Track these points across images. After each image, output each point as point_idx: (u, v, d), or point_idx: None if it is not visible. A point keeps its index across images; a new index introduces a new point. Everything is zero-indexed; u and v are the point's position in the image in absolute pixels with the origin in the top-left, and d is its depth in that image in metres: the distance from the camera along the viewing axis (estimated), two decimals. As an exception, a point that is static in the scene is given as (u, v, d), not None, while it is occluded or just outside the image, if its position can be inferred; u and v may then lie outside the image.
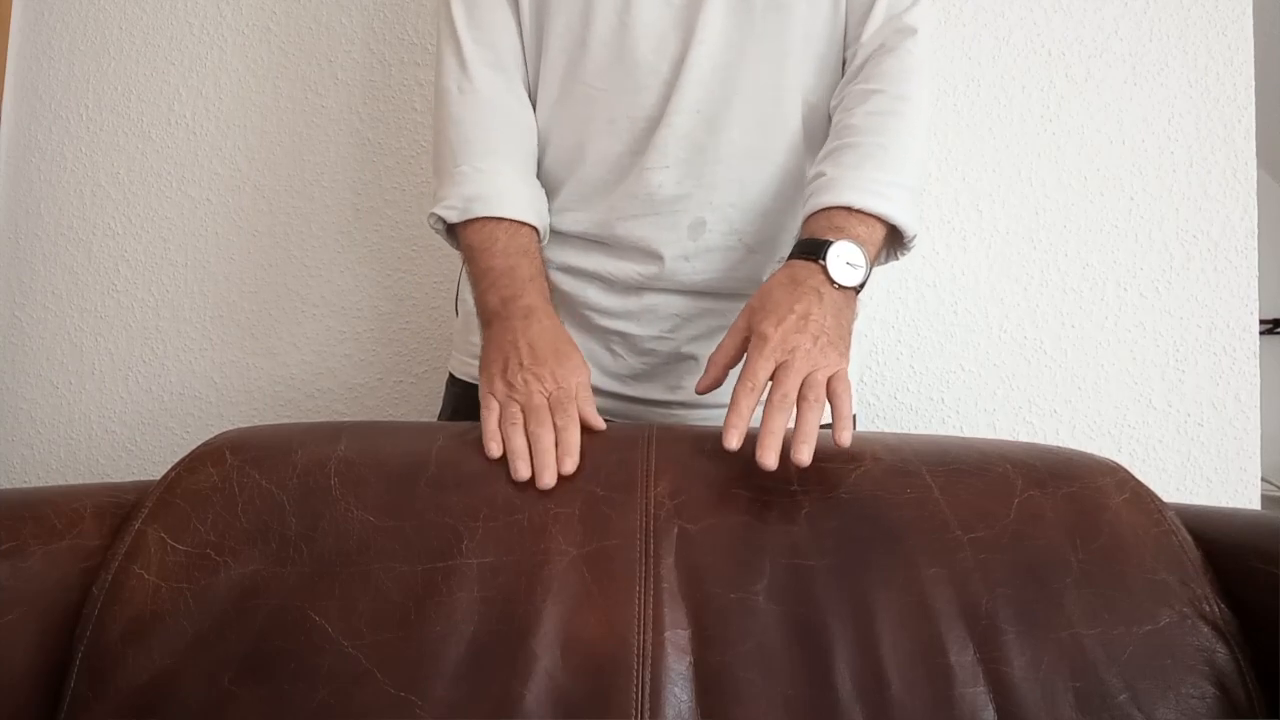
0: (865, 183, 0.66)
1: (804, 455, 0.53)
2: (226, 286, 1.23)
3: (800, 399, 0.56)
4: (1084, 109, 1.10)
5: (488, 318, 0.68)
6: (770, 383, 0.57)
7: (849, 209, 0.65)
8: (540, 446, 0.56)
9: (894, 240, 0.70)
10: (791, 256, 0.65)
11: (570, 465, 0.56)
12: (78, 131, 1.27)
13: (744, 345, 0.61)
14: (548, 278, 0.72)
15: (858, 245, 0.63)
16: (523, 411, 0.59)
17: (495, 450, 0.57)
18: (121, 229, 1.25)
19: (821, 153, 0.72)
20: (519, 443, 0.57)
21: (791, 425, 0.56)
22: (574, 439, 0.57)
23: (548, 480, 0.54)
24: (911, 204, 0.68)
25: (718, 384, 0.62)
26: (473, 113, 0.74)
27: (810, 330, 0.59)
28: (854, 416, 0.83)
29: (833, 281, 0.62)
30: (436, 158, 0.76)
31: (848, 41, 0.74)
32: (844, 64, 0.75)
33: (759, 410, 0.57)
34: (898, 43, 0.71)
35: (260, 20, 1.23)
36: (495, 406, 0.61)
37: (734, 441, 0.54)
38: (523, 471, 0.55)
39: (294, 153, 1.22)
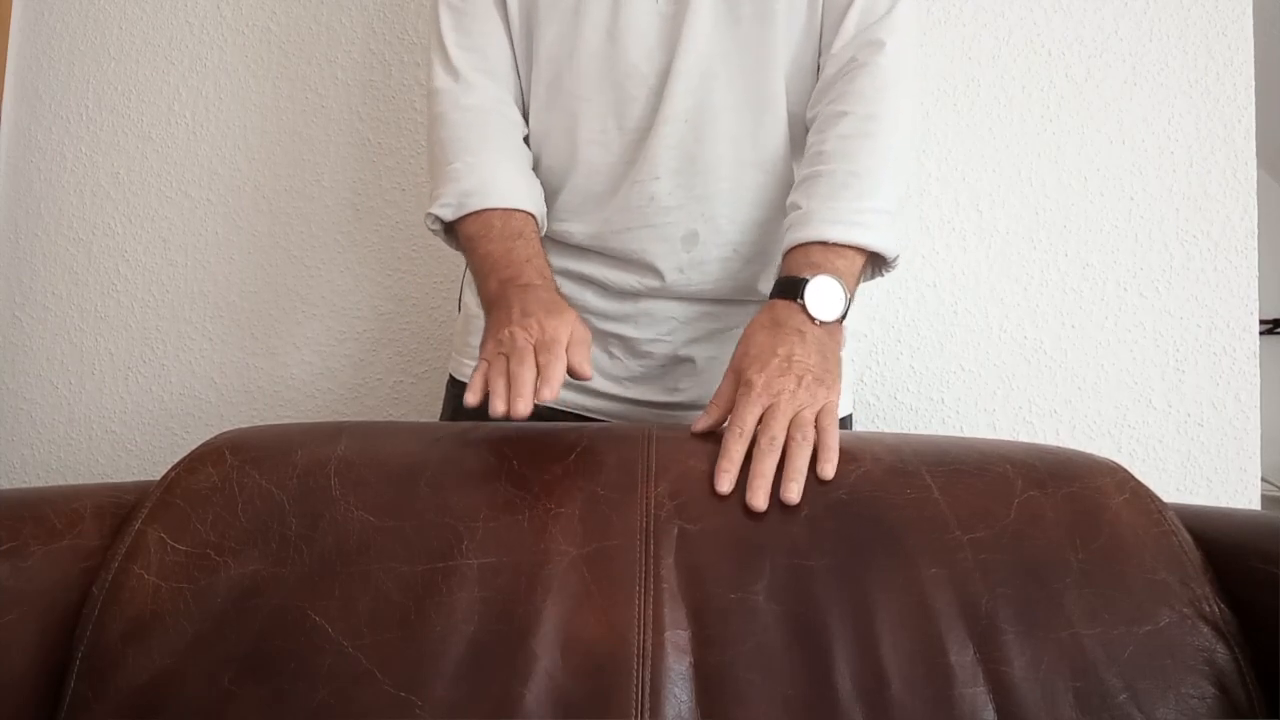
0: (839, 214, 0.66)
1: (793, 494, 0.53)
2: (226, 286, 1.23)
3: (788, 440, 0.56)
4: (1084, 109, 1.10)
5: (489, 303, 0.68)
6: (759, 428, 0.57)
7: (825, 243, 0.65)
8: (518, 380, 0.56)
9: (876, 261, 0.70)
10: (772, 295, 0.65)
11: (548, 393, 0.55)
12: (78, 131, 1.27)
13: (736, 389, 0.61)
14: (548, 261, 0.71)
15: (836, 279, 0.64)
16: (507, 359, 0.59)
17: (471, 399, 0.57)
18: (121, 229, 1.25)
19: (796, 179, 0.72)
20: (499, 382, 0.56)
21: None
22: (556, 371, 0.56)
23: (520, 408, 0.54)
24: (889, 227, 0.68)
25: (715, 427, 0.61)
26: (463, 113, 0.74)
27: (794, 372, 0.60)
28: (849, 417, 0.84)
29: (813, 319, 0.62)
30: (430, 160, 0.76)
31: (821, 48, 0.74)
32: (818, 69, 0.74)
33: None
34: (868, 57, 0.70)
35: (260, 20, 1.23)
36: (484, 365, 0.60)
37: (725, 486, 0.54)
38: (499, 407, 0.55)
39: (294, 153, 1.22)
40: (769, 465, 0.54)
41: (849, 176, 0.68)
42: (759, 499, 0.53)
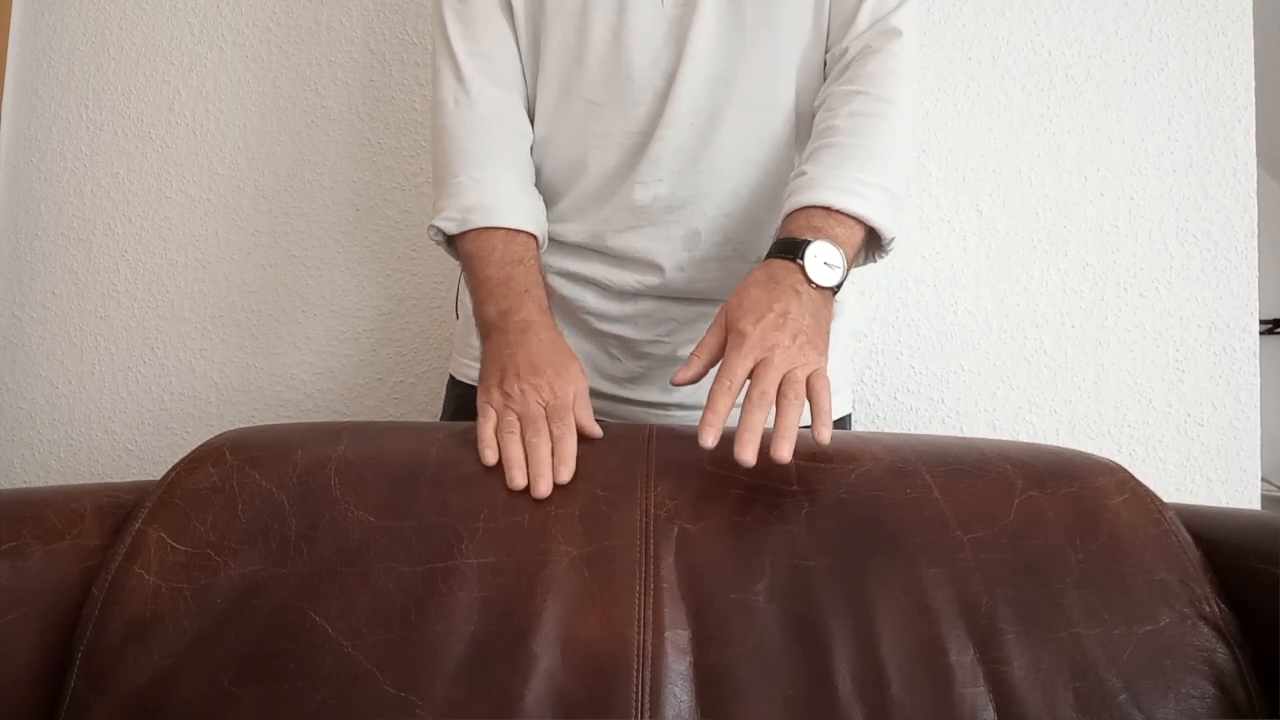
0: (845, 183, 0.65)
1: (784, 452, 0.52)
2: (226, 286, 1.23)
3: (780, 396, 0.55)
4: (1084, 109, 1.10)
5: (486, 330, 0.68)
6: (748, 381, 0.57)
7: (828, 209, 0.65)
8: (536, 456, 0.56)
9: (873, 242, 0.69)
10: (769, 255, 0.64)
11: (566, 474, 0.55)
12: (78, 131, 1.27)
13: (724, 342, 0.60)
14: (546, 285, 0.72)
15: (835, 246, 0.63)
16: (519, 421, 0.59)
17: (490, 458, 0.57)
18: (121, 229, 1.25)
19: (804, 154, 0.72)
20: (515, 451, 0.57)
21: (771, 424, 0.55)
22: (570, 448, 0.57)
23: (543, 489, 0.54)
24: (891, 206, 0.67)
25: (698, 378, 0.61)
26: (469, 125, 0.73)
27: (789, 328, 0.58)
28: (848, 417, 0.84)
29: (810, 281, 0.61)
30: (435, 170, 0.75)
31: (830, 44, 0.74)
32: (825, 65, 0.74)
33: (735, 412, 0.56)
34: (882, 44, 0.70)
35: (260, 20, 1.23)
36: (492, 415, 0.60)
37: (709, 440, 0.53)
38: (518, 480, 0.55)
39: (294, 153, 1.22)
40: (759, 419, 0.53)
41: (858, 149, 0.67)
42: (748, 453, 0.52)
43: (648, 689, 0.46)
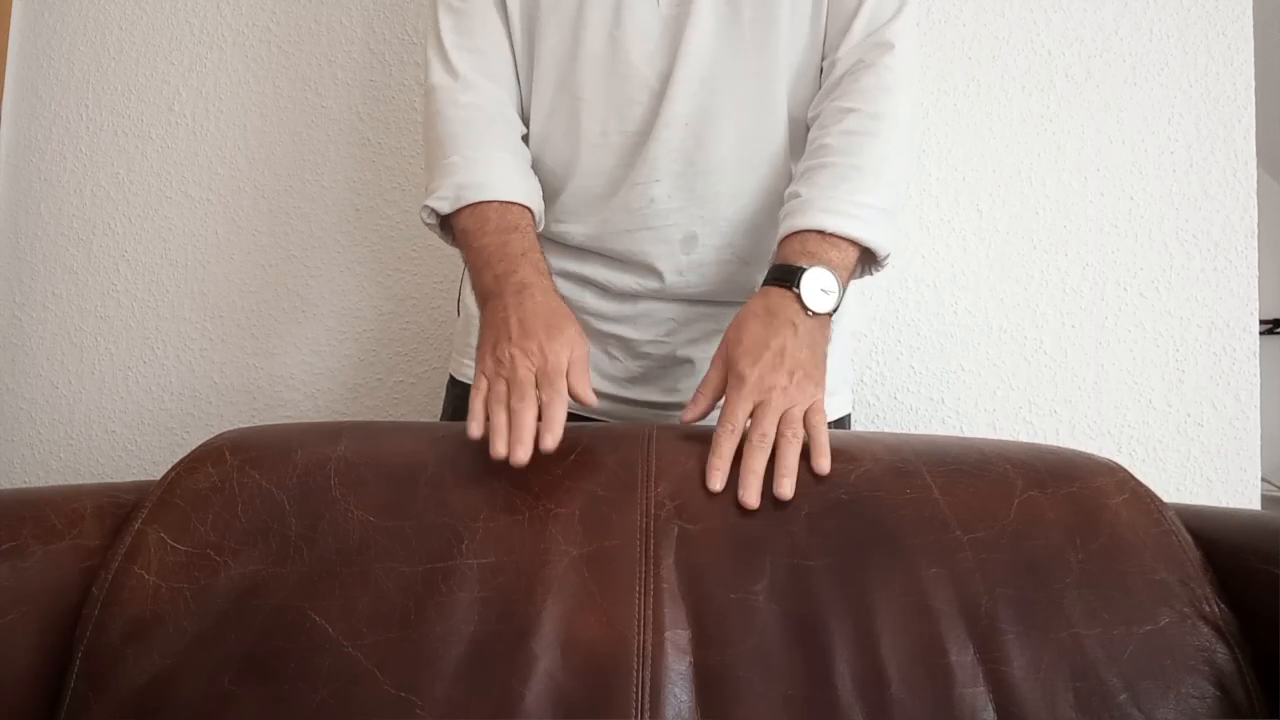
0: (838, 205, 0.66)
1: (786, 489, 0.54)
2: (226, 286, 1.23)
3: (779, 436, 0.57)
4: (1084, 109, 1.10)
5: (483, 297, 0.67)
6: (749, 422, 0.58)
7: (822, 233, 0.65)
8: (519, 421, 0.55)
9: (868, 258, 0.70)
10: (766, 283, 0.65)
11: (551, 441, 0.55)
12: (78, 131, 1.27)
13: (725, 377, 0.62)
14: (544, 256, 0.70)
15: (830, 271, 0.64)
16: (508, 387, 0.58)
17: (475, 430, 0.57)
18: (121, 229, 1.25)
19: (797, 172, 0.72)
20: (499, 418, 0.56)
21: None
22: (558, 414, 0.56)
23: (520, 456, 0.54)
24: (885, 225, 0.68)
25: (704, 415, 0.63)
26: (462, 109, 0.73)
27: (786, 365, 0.60)
28: (848, 416, 0.84)
29: (807, 310, 0.62)
30: (427, 155, 0.75)
31: (825, 51, 0.73)
32: (820, 72, 0.74)
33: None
34: (876, 58, 0.70)
35: (260, 20, 1.23)
36: (484, 385, 0.60)
37: (717, 484, 0.55)
38: (500, 449, 0.54)
39: (294, 153, 1.22)
40: (760, 462, 0.55)
41: (851, 170, 0.68)
42: (751, 496, 0.53)
43: (648, 689, 0.46)
